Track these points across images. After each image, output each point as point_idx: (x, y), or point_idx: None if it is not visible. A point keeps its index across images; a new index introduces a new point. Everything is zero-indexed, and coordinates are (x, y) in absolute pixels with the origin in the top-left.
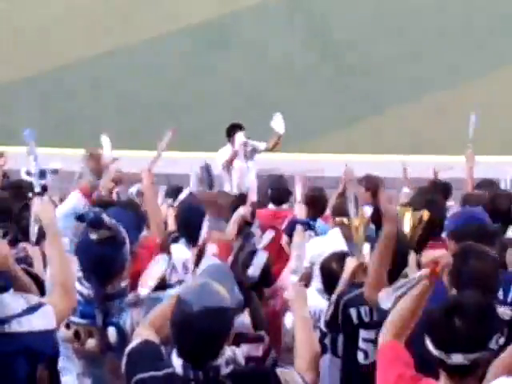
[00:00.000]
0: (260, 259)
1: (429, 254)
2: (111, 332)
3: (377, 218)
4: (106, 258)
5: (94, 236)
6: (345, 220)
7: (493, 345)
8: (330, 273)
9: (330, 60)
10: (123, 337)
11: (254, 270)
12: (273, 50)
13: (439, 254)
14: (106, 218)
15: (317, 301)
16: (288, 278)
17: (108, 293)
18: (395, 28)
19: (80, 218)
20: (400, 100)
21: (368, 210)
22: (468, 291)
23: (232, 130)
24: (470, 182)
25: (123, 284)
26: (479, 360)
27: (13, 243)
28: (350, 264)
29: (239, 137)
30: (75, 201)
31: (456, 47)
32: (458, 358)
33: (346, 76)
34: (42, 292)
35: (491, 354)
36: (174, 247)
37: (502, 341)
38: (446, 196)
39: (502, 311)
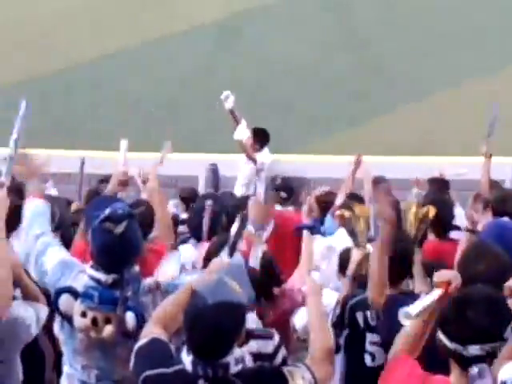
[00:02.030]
0: (257, 251)
1: (440, 274)
2: (130, 317)
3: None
4: (131, 243)
5: (119, 229)
6: (346, 213)
7: (508, 334)
8: (347, 263)
9: (335, 59)
10: (142, 322)
11: (253, 262)
12: (276, 51)
13: (450, 274)
14: (126, 207)
15: (330, 299)
16: (297, 280)
17: (127, 277)
18: (402, 27)
19: (108, 218)
20: (407, 100)
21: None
22: (476, 285)
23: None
24: (485, 181)
25: (137, 268)
26: (495, 350)
27: None
28: (356, 256)
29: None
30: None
31: (464, 46)
32: (475, 350)
33: (352, 75)
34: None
35: (503, 344)
36: (182, 248)
37: None
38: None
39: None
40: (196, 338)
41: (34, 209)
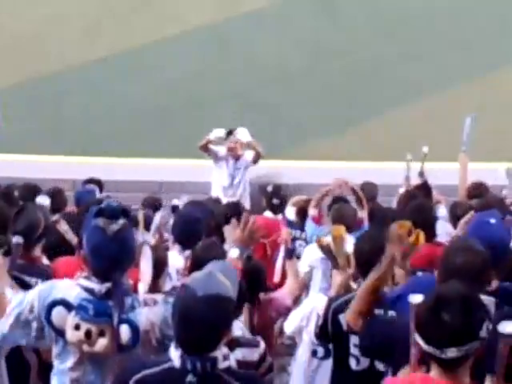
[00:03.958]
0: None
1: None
2: (124, 329)
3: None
4: (125, 244)
5: (115, 227)
6: (323, 240)
7: (484, 333)
8: None
9: (323, 63)
10: (136, 334)
11: None
12: (267, 55)
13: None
14: (120, 204)
15: (319, 302)
16: (284, 296)
17: (121, 287)
18: (389, 30)
19: (100, 212)
20: (394, 104)
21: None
22: (450, 283)
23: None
24: (463, 187)
25: (130, 281)
26: (472, 350)
27: (8, 254)
28: (337, 278)
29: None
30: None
31: (452, 49)
32: (452, 352)
33: (340, 79)
34: None
35: (482, 343)
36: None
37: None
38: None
39: (485, 298)
40: (186, 330)
41: None
